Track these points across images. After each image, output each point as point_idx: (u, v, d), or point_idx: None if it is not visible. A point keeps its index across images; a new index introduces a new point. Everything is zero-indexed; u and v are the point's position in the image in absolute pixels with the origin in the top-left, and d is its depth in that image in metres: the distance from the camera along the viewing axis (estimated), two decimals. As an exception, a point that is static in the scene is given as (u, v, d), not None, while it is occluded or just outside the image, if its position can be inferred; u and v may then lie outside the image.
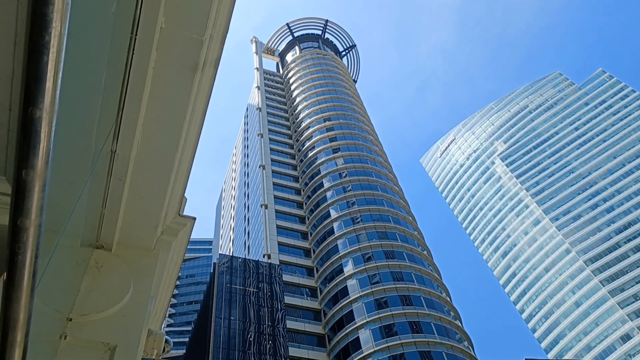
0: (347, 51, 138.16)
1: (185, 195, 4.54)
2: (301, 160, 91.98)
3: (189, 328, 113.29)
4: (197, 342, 60.75)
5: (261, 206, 77.71)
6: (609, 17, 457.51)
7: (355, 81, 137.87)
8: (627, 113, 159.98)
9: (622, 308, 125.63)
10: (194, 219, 4.54)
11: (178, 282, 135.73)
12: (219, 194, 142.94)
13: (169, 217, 4.50)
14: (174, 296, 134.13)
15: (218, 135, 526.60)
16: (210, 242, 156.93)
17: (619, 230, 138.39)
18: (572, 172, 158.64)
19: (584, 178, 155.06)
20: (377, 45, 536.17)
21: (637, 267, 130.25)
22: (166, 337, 5.59)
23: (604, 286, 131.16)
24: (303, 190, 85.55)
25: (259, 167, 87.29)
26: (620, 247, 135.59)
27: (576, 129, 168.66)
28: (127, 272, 4.26)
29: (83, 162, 3.48)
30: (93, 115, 3.29)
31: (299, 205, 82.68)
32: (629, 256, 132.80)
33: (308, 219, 79.04)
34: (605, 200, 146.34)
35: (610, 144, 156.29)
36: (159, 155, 3.87)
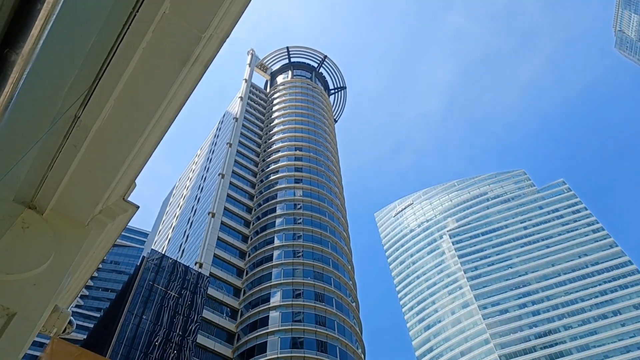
0: (336, 91, 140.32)
1: (136, 181, 4.40)
2: (261, 181, 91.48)
3: (98, 315, 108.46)
4: (101, 331, 58.07)
5: (209, 213, 76.39)
6: (583, 135, 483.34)
7: (335, 121, 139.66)
8: (574, 227, 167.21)
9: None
10: (137, 207, 4.38)
11: (100, 266, 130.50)
12: (170, 190, 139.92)
13: (112, 198, 4.33)
14: (91, 278, 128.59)
15: (187, 132, 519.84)
16: (145, 235, 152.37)
17: (539, 335, 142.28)
18: (511, 268, 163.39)
19: (519, 276, 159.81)
20: (367, 93, 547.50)
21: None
22: (71, 317, 5.33)
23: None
24: (255, 209, 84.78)
25: (219, 174, 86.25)
26: (535, 351, 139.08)
27: (525, 228, 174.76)
28: (51, 241, 4.05)
29: (42, 118, 3.34)
30: (68, 76, 3.18)
31: (246, 224, 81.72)
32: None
33: (251, 239, 78.08)
34: (533, 302, 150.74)
35: (551, 252, 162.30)
36: (122, 135, 3.76)
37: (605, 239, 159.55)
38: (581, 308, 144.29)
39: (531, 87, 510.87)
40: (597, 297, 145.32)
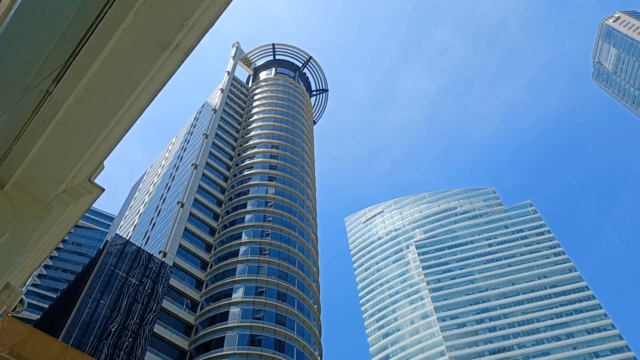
0: (318, 93, 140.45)
1: (105, 163, 4.31)
2: (235, 175, 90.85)
3: (54, 295, 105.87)
4: (56, 312, 56.67)
5: (178, 203, 75.44)
6: (555, 161, 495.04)
7: (315, 122, 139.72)
8: (537, 249, 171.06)
9: None
10: (103, 190, 4.28)
11: (61, 246, 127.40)
12: (141, 176, 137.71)
13: (77, 178, 4.23)
14: (51, 258, 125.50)
15: (164, 118, 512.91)
16: (111, 219, 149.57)
17: (493, 352, 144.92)
18: (472, 283, 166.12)
19: (480, 292, 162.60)
20: (349, 98, 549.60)
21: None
22: (23, 296, 5.19)
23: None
24: (225, 203, 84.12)
25: (192, 165, 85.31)
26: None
27: (489, 245, 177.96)
28: (9, 216, 3.94)
29: (11, 89, 3.24)
30: (42, 49, 3.09)
31: (215, 217, 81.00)
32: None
33: (218, 233, 77.43)
34: (491, 319, 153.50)
35: (512, 270, 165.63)
36: (93, 114, 3.68)
37: (565, 262, 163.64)
38: (536, 328, 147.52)
39: (509, 108, 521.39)
40: (552, 318, 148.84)
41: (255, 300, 63.80)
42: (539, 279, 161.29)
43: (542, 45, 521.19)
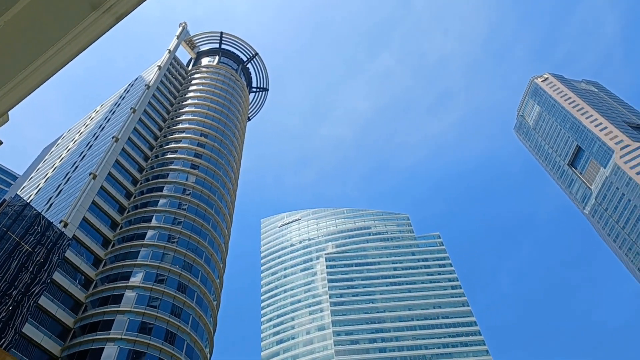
0: (258, 90, 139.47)
1: (19, 118, 4.07)
2: (157, 156, 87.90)
3: None
4: None
5: (90, 174, 71.62)
6: (468, 201, 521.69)
7: (249, 119, 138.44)
8: (437, 279, 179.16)
9: None
10: (0, 142, 4.00)
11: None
12: (56, 138, 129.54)
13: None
14: None
15: (92, 83, 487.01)
16: (14, 178, 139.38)
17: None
18: (372, 302, 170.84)
19: (378, 312, 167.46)
20: (288, 101, 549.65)
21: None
22: None
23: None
24: (141, 183, 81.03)
25: (113, 137, 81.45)
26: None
27: (394, 269, 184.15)
28: None
29: None
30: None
31: (128, 195, 77.71)
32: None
33: (127, 212, 74.36)
34: (383, 340, 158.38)
35: (411, 296, 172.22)
36: (3, 60, 3.45)
37: (460, 296, 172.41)
38: (423, 355, 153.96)
39: (436, 143, 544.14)
40: (439, 347, 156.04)
41: (153, 287, 61.71)
42: (434, 308, 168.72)
43: (476, 90, 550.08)
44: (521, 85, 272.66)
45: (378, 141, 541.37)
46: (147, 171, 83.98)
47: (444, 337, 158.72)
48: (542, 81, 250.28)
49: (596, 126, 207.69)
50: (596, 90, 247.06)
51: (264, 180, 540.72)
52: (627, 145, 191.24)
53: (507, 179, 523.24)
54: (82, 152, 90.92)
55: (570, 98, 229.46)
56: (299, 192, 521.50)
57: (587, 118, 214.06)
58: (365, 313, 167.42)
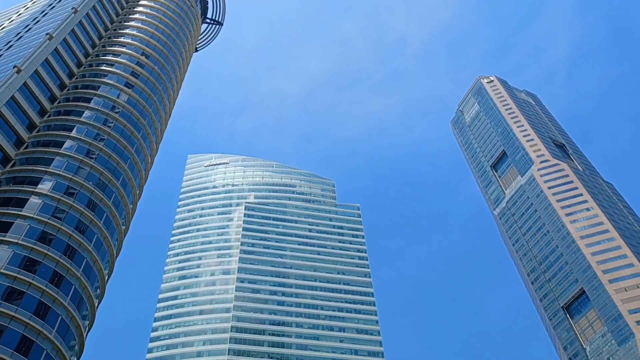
0: (212, 23, 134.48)
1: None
2: (90, 65, 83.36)
3: None
4: None
5: (14, 67, 66.76)
6: (393, 181, 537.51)
7: (197, 50, 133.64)
8: (347, 248, 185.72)
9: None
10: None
11: None
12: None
13: None
14: None
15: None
16: None
17: (272, 322, 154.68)
18: (281, 257, 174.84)
19: (284, 267, 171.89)
20: (240, 43, 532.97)
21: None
22: None
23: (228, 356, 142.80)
24: (69, 89, 76.82)
25: (47, 34, 76.06)
26: (263, 334, 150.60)
27: (309, 230, 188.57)
28: None
29: None
30: None
31: (52, 99, 73.40)
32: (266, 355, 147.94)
33: (48, 117, 70.52)
34: (283, 294, 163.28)
35: (319, 259, 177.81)
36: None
37: (364, 267, 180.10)
38: (317, 314, 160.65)
39: (378, 119, 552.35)
40: (333, 310, 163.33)
41: (61, 198, 59.63)
42: (338, 273, 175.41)
43: (426, 76, 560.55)
44: (468, 82, 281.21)
45: (322, 105, 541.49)
46: (77, 78, 79.62)
47: (341, 302, 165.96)
48: (487, 82, 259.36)
49: (524, 136, 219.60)
50: (533, 102, 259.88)
51: (199, 117, 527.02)
52: (546, 160, 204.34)
53: (435, 169, 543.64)
54: (9, 42, 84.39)
55: (508, 104, 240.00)
56: (232, 137, 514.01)
57: (518, 127, 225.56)
58: (272, 266, 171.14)
